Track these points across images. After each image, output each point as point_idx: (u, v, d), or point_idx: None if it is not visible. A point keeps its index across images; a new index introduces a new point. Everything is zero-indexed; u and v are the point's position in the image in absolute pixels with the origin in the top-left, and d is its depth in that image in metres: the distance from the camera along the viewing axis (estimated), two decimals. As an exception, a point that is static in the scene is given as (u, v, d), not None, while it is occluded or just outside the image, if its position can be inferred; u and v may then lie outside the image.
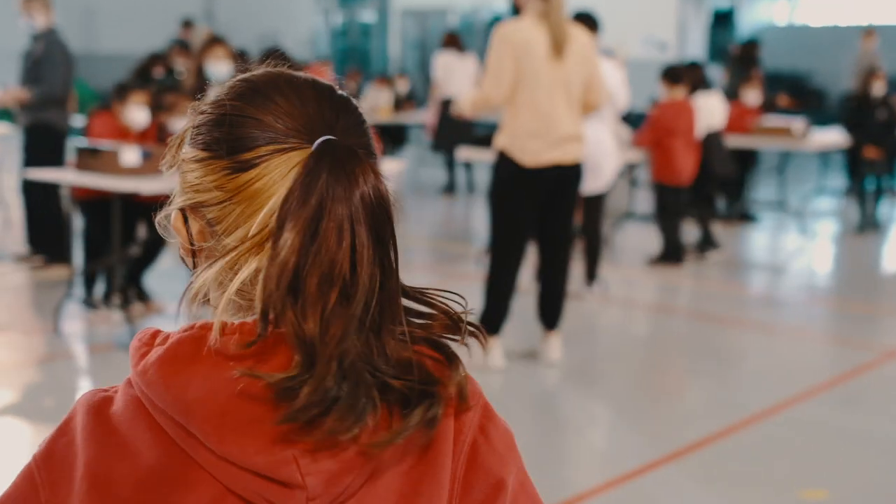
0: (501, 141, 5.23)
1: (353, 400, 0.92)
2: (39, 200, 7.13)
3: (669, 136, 7.65)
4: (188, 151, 1.04)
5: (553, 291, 5.42)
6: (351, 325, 0.93)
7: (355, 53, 26.11)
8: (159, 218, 1.09)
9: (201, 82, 6.11)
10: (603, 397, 5.19)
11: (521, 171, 5.15)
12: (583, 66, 5.13)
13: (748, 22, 22.28)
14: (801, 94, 17.37)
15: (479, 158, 7.93)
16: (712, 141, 8.19)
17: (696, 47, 19.01)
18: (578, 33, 5.17)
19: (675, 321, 6.67)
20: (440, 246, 8.93)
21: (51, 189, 6.89)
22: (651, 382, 5.50)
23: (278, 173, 0.97)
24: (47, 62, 7.11)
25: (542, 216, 5.29)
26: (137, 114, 5.97)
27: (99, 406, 1.01)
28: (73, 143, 6.12)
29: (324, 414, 0.92)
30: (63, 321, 5.76)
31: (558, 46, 5.01)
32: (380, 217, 0.97)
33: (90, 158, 5.72)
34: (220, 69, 6.25)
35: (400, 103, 13.33)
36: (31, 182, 6.70)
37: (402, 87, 13.81)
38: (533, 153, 5.12)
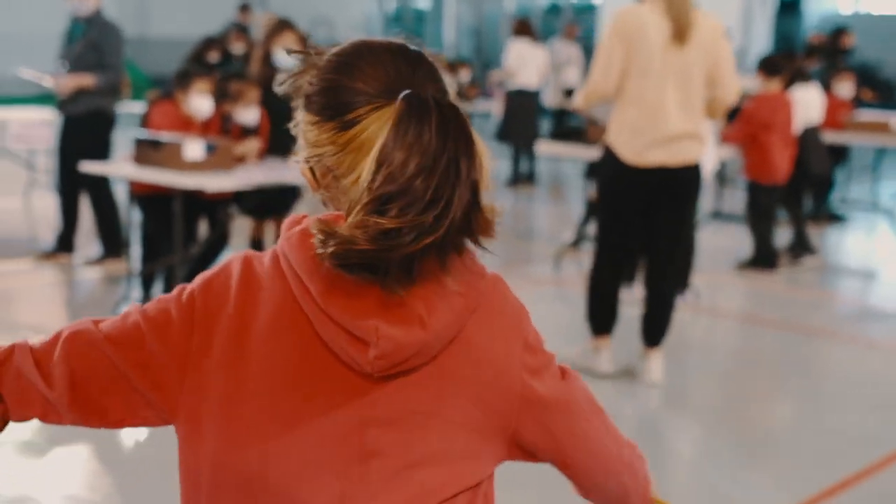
0: (609, 135, 4.79)
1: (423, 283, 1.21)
2: (95, 193, 6.71)
3: (765, 132, 7.10)
4: (305, 116, 1.30)
5: (656, 306, 4.90)
6: (434, 235, 1.17)
7: (410, 39, 25.61)
8: (293, 161, 1.35)
9: (269, 69, 5.67)
10: (709, 425, 4.67)
11: (623, 169, 4.71)
12: (707, 56, 4.60)
13: (813, 11, 21.56)
14: (870, 86, 16.68)
15: (557, 153, 7.43)
16: (810, 137, 7.62)
17: (761, 37, 18.37)
18: (705, 20, 4.64)
19: (777, 336, 6.13)
20: (508, 244, 8.43)
21: (102, 181, 6.48)
22: (761, 411, 4.98)
23: (376, 126, 1.23)
24: (108, 47, 6.68)
25: (648, 222, 4.79)
26: (201, 103, 5.53)
27: (251, 259, 1.30)
28: (133, 134, 5.68)
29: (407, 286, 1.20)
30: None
31: (680, 33, 4.50)
32: (461, 143, 1.20)
33: (151, 151, 5.29)
34: (288, 56, 5.78)
35: (462, 92, 12.83)
36: (83, 173, 6.25)
37: (464, 75, 13.32)
38: (635, 151, 4.66)
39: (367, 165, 1.19)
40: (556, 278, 7.11)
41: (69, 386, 1.28)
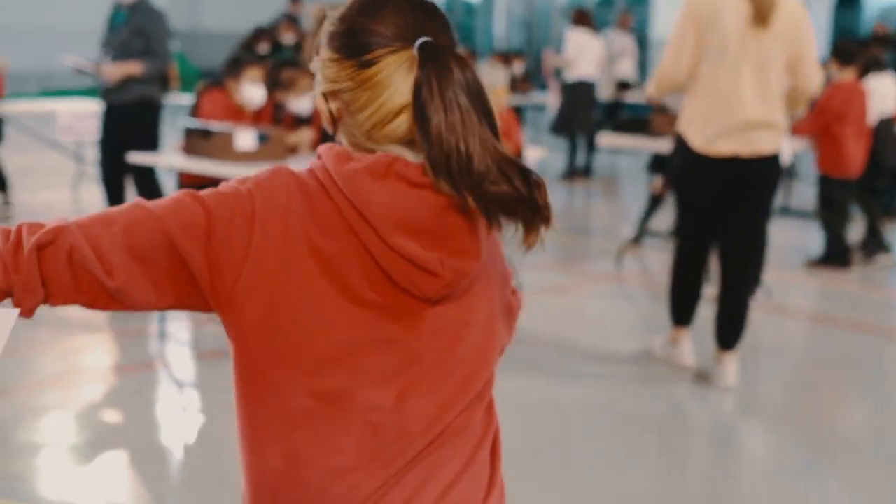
0: (681, 123, 4.55)
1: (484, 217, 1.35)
2: (141, 184, 6.53)
3: (839, 123, 6.78)
4: (326, 54, 1.41)
5: (730, 308, 4.63)
6: (471, 178, 1.31)
7: (460, 32, 25.36)
8: (313, 96, 1.48)
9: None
10: (788, 434, 4.39)
11: (695, 158, 4.49)
12: (788, 42, 4.32)
13: (873, 2, 21.03)
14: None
15: (621, 145, 7.15)
16: (884, 128, 7.27)
17: (820, 29, 17.91)
18: (788, 3, 4.35)
19: (850, 337, 5.81)
20: (565, 240, 8.16)
21: (149, 172, 6.29)
22: (836, 414, 4.69)
23: (392, 68, 1.36)
24: (154, 34, 6.50)
25: (723, 216, 4.52)
26: (253, 91, 5.34)
27: (299, 175, 1.40)
28: (183, 123, 5.50)
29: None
30: (167, 323, 5.17)
31: (761, 16, 4.22)
32: (474, 89, 1.34)
33: (201, 141, 5.10)
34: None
35: (515, 84, 12.58)
36: (129, 163, 6.06)
37: (518, 67, 13.06)
38: (707, 139, 4.41)
39: (382, 100, 1.36)
40: (617, 275, 6.84)
41: (129, 277, 1.32)
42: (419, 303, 1.37)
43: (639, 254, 7.38)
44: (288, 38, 10.62)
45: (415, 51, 1.35)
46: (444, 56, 1.34)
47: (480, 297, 1.43)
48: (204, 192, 1.36)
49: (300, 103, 5.46)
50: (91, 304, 1.34)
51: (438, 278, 1.34)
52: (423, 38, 1.35)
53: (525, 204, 1.34)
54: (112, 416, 4.26)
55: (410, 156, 1.37)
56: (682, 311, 4.80)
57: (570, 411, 4.29)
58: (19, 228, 1.31)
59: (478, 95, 1.33)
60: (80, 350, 4.98)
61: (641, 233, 7.23)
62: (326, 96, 1.42)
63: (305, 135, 5.45)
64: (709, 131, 4.41)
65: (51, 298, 1.32)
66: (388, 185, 1.33)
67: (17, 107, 9.27)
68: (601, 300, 6.18)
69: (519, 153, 5.39)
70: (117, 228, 1.32)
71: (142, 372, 4.68)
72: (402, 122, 1.36)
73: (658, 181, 7.02)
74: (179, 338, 5.19)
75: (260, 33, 10.50)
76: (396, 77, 1.35)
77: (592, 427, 4.15)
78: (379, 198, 1.32)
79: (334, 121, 1.43)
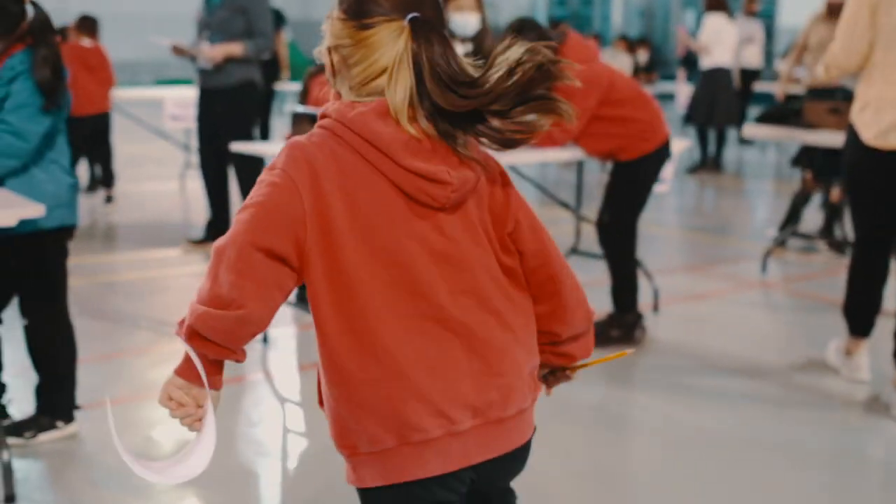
0: (852, 113, 4.01)
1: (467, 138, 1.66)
2: (244, 174, 6.11)
3: None
4: (336, 13, 1.69)
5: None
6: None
7: (576, 21, 24.72)
8: (315, 51, 1.77)
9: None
10: None
11: (865, 151, 4.01)
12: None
13: None
14: None
15: (764, 136, 6.48)
16: None
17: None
18: None
19: None
20: (697, 240, 7.51)
21: (254, 161, 5.88)
22: None
23: (384, 34, 1.63)
24: (256, 13, 6.08)
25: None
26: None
27: (309, 139, 1.66)
28: (290, 109, 5.05)
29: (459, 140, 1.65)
30: (274, 328, 4.73)
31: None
32: (445, 59, 1.61)
33: (308, 126, 4.63)
34: (467, 21, 5.05)
35: (637, 73, 11.92)
36: (232, 151, 5.64)
37: (643, 56, 12.40)
38: (878, 132, 3.92)
39: (373, 59, 1.65)
40: (761, 281, 6.18)
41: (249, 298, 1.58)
42: (436, 213, 1.66)
43: (784, 257, 6.72)
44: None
45: (405, 23, 1.63)
46: (428, 31, 1.62)
47: (473, 202, 1.71)
48: (258, 199, 1.61)
49: (464, 19, 5.04)
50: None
51: (448, 185, 1.63)
52: (414, 14, 1.62)
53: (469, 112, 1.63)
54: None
55: None
56: (858, 321, 4.25)
57: (713, 439, 3.69)
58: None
59: (447, 65, 1.61)
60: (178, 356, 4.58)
61: (787, 234, 6.56)
62: (331, 50, 1.70)
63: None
64: (882, 123, 3.93)
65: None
66: (390, 121, 1.62)
67: (126, 94, 9.00)
68: (746, 308, 5.55)
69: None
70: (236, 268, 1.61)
71: (240, 382, 4.24)
72: (384, 80, 1.64)
73: (836, 189, 6.37)
74: (281, 345, 4.75)
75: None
76: (387, 42, 1.63)
77: (741, 459, 3.54)
78: (385, 129, 1.61)
79: (334, 72, 1.71)
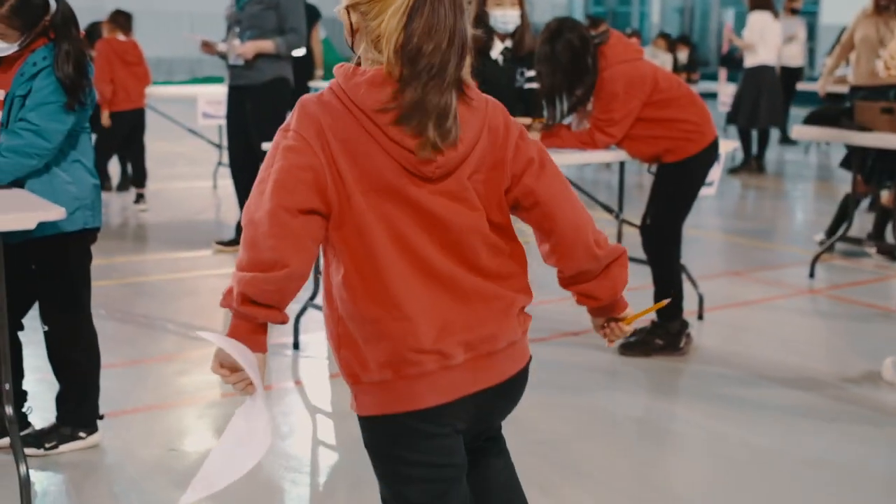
0: None
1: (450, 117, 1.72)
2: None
3: None
4: None
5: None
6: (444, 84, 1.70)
7: (613, 19, 24.46)
8: (335, 9, 1.80)
9: (483, 33, 4.83)
10: None
11: None
12: None
13: None
14: None
15: (814, 137, 6.26)
16: None
17: None
18: None
19: None
20: (739, 243, 7.29)
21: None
22: None
23: None
24: (288, 8, 5.94)
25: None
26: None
27: (321, 97, 1.75)
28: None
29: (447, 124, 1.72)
30: (305, 333, 4.59)
31: None
32: (451, 21, 1.70)
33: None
34: (507, 16, 4.88)
35: (678, 72, 11.69)
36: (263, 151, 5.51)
37: (683, 55, 12.16)
38: None
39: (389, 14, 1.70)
40: (809, 286, 5.96)
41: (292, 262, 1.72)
42: (429, 180, 1.75)
43: (833, 262, 6.50)
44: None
45: None
46: None
47: (466, 166, 1.78)
48: (278, 163, 1.72)
49: (504, 14, 4.88)
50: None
51: (431, 162, 1.71)
52: None
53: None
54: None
55: None
56: None
57: (762, 456, 3.50)
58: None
59: (454, 25, 1.70)
60: (206, 361, 4.45)
61: (836, 239, 6.34)
62: (349, 10, 1.75)
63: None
64: None
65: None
66: (386, 90, 1.69)
67: (158, 91, 8.90)
68: (793, 316, 5.34)
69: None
70: (273, 233, 1.73)
71: (269, 391, 4.10)
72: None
73: (889, 193, 6.15)
74: (313, 351, 4.61)
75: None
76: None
77: (791, 478, 3.35)
78: (379, 97, 1.68)
79: (353, 33, 1.76)
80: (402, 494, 1.82)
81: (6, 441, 3.26)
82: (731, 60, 11.51)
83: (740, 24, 10.63)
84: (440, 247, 1.77)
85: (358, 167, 1.71)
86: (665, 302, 2.18)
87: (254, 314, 1.71)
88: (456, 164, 1.75)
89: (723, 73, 11.74)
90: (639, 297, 5.34)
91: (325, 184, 1.71)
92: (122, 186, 8.76)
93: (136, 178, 8.14)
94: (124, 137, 7.93)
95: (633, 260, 5.28)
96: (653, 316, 4.63)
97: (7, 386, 2.99)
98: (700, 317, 5.12)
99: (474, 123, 1.77)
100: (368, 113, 1.69)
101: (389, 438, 1.79)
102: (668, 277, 4.54)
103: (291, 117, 1.75)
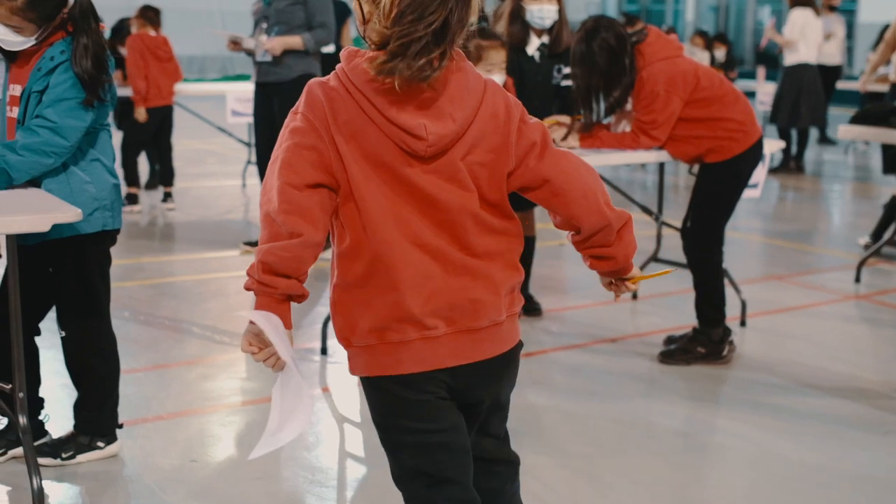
0: None
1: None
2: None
3: None
4: None
5: None
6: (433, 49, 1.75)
7: (648, 16, 24.21)
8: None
9: (519, 28, 4.67)
10: None
11: None
12: None
13: None
14: None
15: (861, 137, 6.06)
16: None
17: None
18: None
19: None
20: (780, 246, 7.08)
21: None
22: None
23: None
24: (315, 3, 5.80)
25: None
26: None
27: (326, 81, 1.85)
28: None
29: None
30: (333, 338, 4.45)
31: None
32: None
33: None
34: (544, 12, 4.72)
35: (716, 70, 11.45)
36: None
37: (720, 53, 11.93)
38: None
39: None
40: (855, 292, 5.76)
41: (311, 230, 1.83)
42: (423, 158, 1.83)
43: (878, 266, 6.28)
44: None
45: None
46: None
47: (461, 147, 1.85)
48: (287, 143, 1.86)
49: (541, 9, 4.72)
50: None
51: (423, 140, 1.80)
52: None
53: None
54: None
55: None
56: None
57: (811, 472, 3.31)
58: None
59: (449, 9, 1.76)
60: (231, 366, 4.31)
61: (884, 243, 6.13)
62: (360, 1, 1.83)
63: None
64: None
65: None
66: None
67: (187, 88, 8.81)
68: (839, 323, 5.14)
69: None
70: (285, 212, 1.85)
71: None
72: None
73: None
74: (341, 357, 4.47)
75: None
76: None
77: (842, 496, 3.16)
78: (376, 80, 1.77)
79: (365, 22, 1.82)
80: (399, 460, 1.94)
81: (21, 451, 3.14)
82: (767, 58, 11.28)
83: (778, 21, 10.38)
84: (432, 223, 1.85)
85: (357, 146, 1.80)
86: (669, 270, 2.32)
87: (275, 283, 1.80)
88: (448, 143, 1.81)
89: (761, 71, 11.51)
90: (681, 302, 5.18)
91: (329, 162, 1.81)
92: (150, 185, 8.67)
93: (163, 176, 8.04)
94: (153, 134, 7.83)
95: (673, 263, 5.13)
96: (694, 322, 4.45)
97: (21, 395, 2.87)
98: (742, 323, 4.93)
99: (470, 102, 1.83)
100: (367, 94, 1.78)
101: (380, 403, 1.93)
102: (712, 282, 4.36)
103: (300, 101, 1.86)
